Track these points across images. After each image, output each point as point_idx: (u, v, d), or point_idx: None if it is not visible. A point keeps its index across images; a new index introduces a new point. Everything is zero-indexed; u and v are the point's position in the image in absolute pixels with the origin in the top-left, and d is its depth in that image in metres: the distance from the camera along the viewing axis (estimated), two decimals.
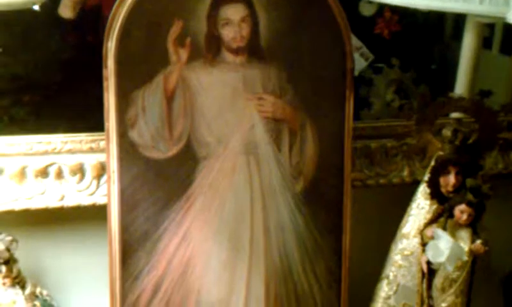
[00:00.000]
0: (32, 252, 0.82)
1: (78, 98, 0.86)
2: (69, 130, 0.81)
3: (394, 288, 0.82)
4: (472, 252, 0.77)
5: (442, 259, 0.73)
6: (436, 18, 1.05)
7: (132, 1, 0.70)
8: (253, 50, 0.75)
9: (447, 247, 0.72)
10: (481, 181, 0.77)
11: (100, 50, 0.71)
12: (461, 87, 0.92)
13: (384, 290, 0.83)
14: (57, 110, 0.86)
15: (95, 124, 0.77)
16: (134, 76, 0.72)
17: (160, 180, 0.75)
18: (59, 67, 0.87)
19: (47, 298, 0.79)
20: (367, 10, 1.05)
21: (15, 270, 0.75)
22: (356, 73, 0.96)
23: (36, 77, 0.86)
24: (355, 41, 1.02)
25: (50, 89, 0.87)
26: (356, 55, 1.05)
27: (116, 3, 0.71)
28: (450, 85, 0.95)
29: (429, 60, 1.07)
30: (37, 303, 0.76)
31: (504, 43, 1.17)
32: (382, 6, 1.03)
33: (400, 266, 0.81)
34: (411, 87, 0.99)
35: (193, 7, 0.72)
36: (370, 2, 1.00)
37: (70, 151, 0.79)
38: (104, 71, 0.72)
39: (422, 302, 0.80)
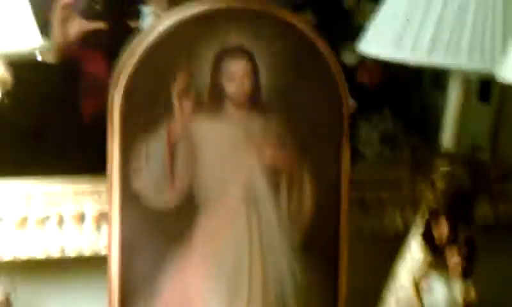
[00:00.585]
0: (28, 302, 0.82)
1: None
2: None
3: None
4: (465, 301, 0.79)
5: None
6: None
7: (140, 54, 0.71)
8: (254, 103, 0.78)
9: (443, 299, 0.74)
10: (471, 229, 0.80)
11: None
12: (447, 138, 0.95)
13: None
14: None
15: None
16: (138, 127, 0.73)
17: (161, 229, 0.76)
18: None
19: None
20: (348, 59, 1.10)
21: None
22: None
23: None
24: None
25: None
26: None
27: (125, 54, 0.73)
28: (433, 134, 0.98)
29: (411, 108, 1.09)
30: None
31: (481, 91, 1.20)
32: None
33: None
34: (398, 136, 1.02)
35: (198, 61, 0.74)
36: (354, 51, 1.03)
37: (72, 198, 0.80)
38: (109, 122, 0.74)
39: None
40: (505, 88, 1.13)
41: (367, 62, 1.05)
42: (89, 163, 0.82)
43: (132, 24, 0.87)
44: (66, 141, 0.84)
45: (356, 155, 1.00)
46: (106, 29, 0.86)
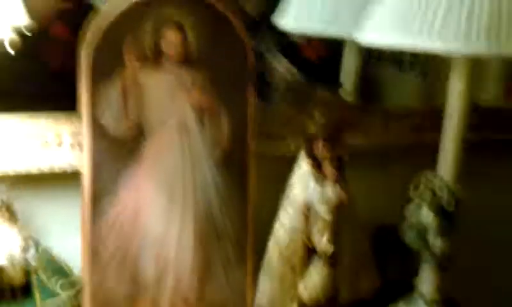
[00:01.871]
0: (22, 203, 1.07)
1: None
2: None
3: (286, 227, 1.07)
4: (338, 199, 1.06)
5: (313, 198, 1.05)
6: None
7: (102, 25, 0.98)
8: (184, 59, 1.04)
9: (315, 189, 1.05)
10: (341, 148, 1.10)
11: None
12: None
13: (279, 230, 1.08)
14: None
15: None
16: (102, 77, 0.99)
17: (119, 151, 1.02)
18: None
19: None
20: (297, 37, 1.29)
21: (13, 214, 1.02)
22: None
23: None
24: (284, 62, 1.30)
25: None
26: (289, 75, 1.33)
27: (90, 25, 0.99)
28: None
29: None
30: (29, 239, 1.03)
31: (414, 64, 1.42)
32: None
33: (289, 211, 1.07)
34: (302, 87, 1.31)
35: (143, 31, 1.01)
36: None
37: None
38: (79, 73, 1.00)
39: (305, 236, 1.07)
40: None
41: (313, 39, 1.28)
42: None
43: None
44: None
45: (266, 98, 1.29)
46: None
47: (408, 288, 1.13)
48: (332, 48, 1.28)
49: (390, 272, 1.28)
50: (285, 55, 1.28)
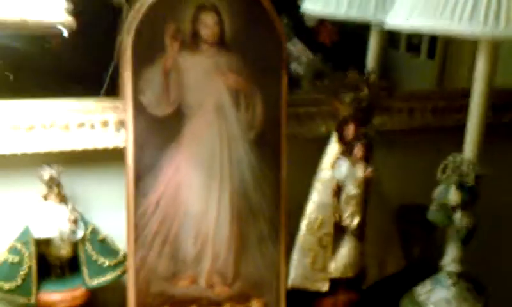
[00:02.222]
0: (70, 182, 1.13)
1: None
2: None
3: (316, 204, 1.15)
4: (364, 175, 1.14)
5: (342, 175, 1.12)
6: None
7: (143, 13, 1.03)
8: (220, 44, 1.08)
9: (345, 169, 1.11)
10: (370, 130, 1.16)
11: None
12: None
13: (310, 206, 1.15)
14: None
15: None
16: (144, 60, 1.04)
17: (160, 131, 1.06)
18: None
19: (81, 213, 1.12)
20: (310, 22, 1.33)
21: (62, 191, 1.09)
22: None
23: None
24: (301, 47, 1.35)
25: None
26: (304, 58, 1.37)
27: (132, 14, 1.04)
28: None
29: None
30: (77, 214, 1.10)
31: (430, 50, 1.47)
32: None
33: (319, 189, 1.16)
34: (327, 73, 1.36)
35: (183, 14, 1.05)
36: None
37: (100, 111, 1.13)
38: (124, 57, 1.06)
39: (335, 212, 1.15)
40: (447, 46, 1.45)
41: (326, 24, 1.32)
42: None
43: None
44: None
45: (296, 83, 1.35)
46: None
47: (431, 266, 1.19)
48: (343, 32, 1.33)
49: (414, 251, 1.34)
50: (300, 40, 1.33)
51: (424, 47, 1.48)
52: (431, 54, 1.47)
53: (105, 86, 1.17)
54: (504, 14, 0.91)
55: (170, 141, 1.08)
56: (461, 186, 1.08)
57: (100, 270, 1.11)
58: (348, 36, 1.33)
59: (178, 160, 1.09)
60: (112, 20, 1.15)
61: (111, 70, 1.16)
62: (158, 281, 1.11)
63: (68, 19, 0.85)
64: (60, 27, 0.85)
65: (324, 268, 1.17)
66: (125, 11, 1.13)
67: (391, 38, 1.44)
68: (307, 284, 1.18)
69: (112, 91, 1.13)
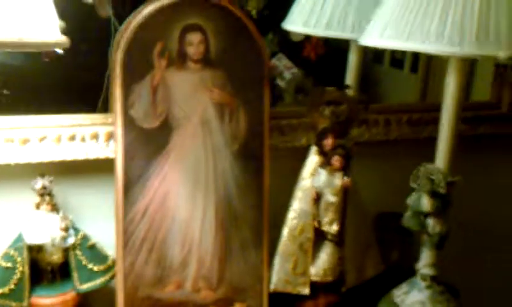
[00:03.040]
0: (61, 191, 1.19)
1: None
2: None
3: (297, 211, 1.20)
4: (342, 184, 1.19)
5: (320, 184, 1.18)
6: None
7: (131, 31, 1.08)
8: (206, 61, 1.14)
9: (324, 178, 1.18)
10: (348, 141, 1.22)
11: None
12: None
13: (291, 213, 1.21)
14: None
15: None
16: (133, 76, 1.10)
17: (148, 142, 1.12)
18: None
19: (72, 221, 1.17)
20: (295, 37, 1.36)
21: (54, 200, 1.14)
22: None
23: None
24: (286, 62, 1.42)
25: None
26: (288, 74, 1.43)
27: (121, 32, 1.10)
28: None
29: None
30: (68, 221, 1.14)
31: (413, 64, 1.52)
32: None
33: (300, 197, 1.21)
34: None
35: (170, 34, 1.11)
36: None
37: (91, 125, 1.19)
38: (113, 73, 1.12)
39: (314, 219, 1.20)
40: (430, 60, 1.50)
41: (312, 39, 1.36)
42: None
43: None
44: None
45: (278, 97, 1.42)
46: None
47: (407, 271, 1.25)
48: (328, 46, 1.38)
49: (391, 255, 1.40)
50: (285, 54, 1.39)
51: (408, 62, 1.54)
52: (414, 68, 1.52)
53: (101, 97, 1.23)
54: (468, 32, 0.97)
55: (157, 151, 1.14)
56: (433, 194, 1.14)
57: (90, 275, 1.16)
58: (332, 51, 1.38)
59: (165, 170, 1.14)
60: (100, 31, 1.20)
61: (106, 81, 1.22)
62: (145, 286, 1.16)
63: (62, 38, 0.90)
64: (55, 46, 0.90)
65: (305, 273, 1.23)
66: (113, 23, 1.20)
67: (375, 53, 1.51)
68: (289, 288, 1.23)
69: (108, 104, 1.20)
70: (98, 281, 1.16)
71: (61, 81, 1.23)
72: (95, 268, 1.16)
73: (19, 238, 1.13)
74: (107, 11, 1.20)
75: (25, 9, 0.84)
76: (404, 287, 1.23)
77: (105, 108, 1.22)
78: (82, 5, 1.18)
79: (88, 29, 1.20)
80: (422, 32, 0.98)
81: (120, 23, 1.17)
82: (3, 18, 0.81)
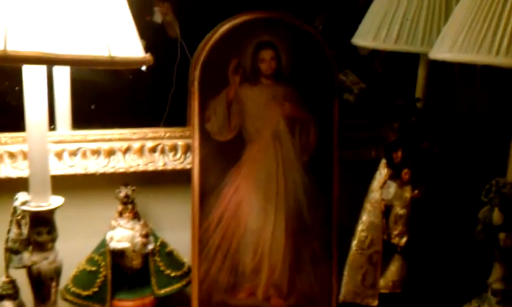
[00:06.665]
0: (142, 200, 1.25)
1: None
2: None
3: (366, 224, 1.22)
4: (411, 196, 1.20)
5: (390, 196, 1.20)
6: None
7: (208, 49, 1.16)
8: (277, 76, 1.20)
9: (393, 191, 1.19)
10: (418, 154, 1.23)
11: None
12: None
13: (359, 226, 1.22)
14: None
15: None
16: (209, 92, 1.17)
17: (223, 154, 1.19)
18: None
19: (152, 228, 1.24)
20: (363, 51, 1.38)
21: (135, 208, 1.22)
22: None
23: None
24: (353, 77, 1.42)
25: None
26: (355, 88, 1.43)
27: (198, 50, 1.17)
28: None
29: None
30: (148, 229, 1.21)
31: None
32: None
33: (369, 210, 1.23)
34: None
35: (244, 51, 1.17)
36: None
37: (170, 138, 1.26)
38: (191, 88, 1.18)
39: (383, 232, 1.22)
40: None
41: (380, 52, 1.36)
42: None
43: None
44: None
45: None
46: None
47: (477, 286, 1.24)
48: (395, 59, 1.36)
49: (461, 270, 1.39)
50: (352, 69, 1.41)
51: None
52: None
53: (165, 114, 1.30)
54: None
55: (231, 163, 1.20)
56: (504, 207, 1.13)
57: (167, 281, 1.22)
58: (399, 64, 1.38)
59: (238, 181, 1.20)
60: (167, 51, 1.27)
61: (169, 99, 1.29)
62: (219, 292, 1.21)
63: (148, 55, 0.96)
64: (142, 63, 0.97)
65: (374, 285, 1.24)
66: (180, 43, 1.27)
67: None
68: (358, 299, 1.25)
69: (172, 118, 1.27)
70: (175, 287, 1.22)
71: (137, 97, 1.31)
72: (172, 274, 1.22)
73: (103, 244, 1.21)
74: (175, 31, 1.27)
75: (115, 29, 0.91)
76: (474, 303, 1.22)
77: (168, 122, 1.29)
78: (151, 25, 1.26)
79: (156, 48, 1.27)
80: (493, 45, 0.98)
81: (187, 43, 1.25)
82: (97, 38, 0.88)
